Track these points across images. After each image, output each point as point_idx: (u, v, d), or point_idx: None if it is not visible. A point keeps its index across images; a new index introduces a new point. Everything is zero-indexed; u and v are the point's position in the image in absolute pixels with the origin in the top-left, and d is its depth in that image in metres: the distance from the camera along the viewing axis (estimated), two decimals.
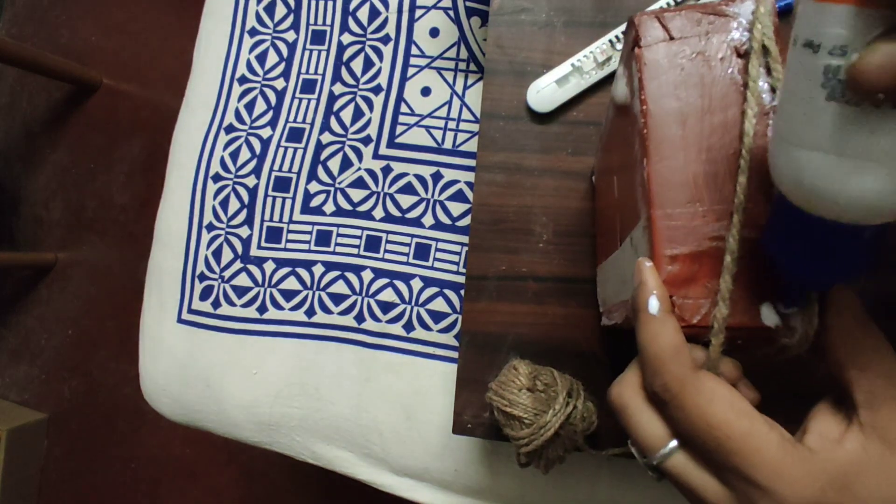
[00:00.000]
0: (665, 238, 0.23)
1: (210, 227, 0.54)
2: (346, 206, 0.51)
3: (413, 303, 0.49)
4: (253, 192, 0.53)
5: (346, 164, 0.52)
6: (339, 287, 0.50)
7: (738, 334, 0.22)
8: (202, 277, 0.54)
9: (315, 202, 0.52)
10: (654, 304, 0.21)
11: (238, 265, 0.53)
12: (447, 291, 0.48)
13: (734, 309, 0.22)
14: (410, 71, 0.51)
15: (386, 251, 0.50)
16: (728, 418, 0.19)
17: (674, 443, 0.21)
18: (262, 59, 0.55)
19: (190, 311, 0.54)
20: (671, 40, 0.25)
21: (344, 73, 0.53)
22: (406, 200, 0.50)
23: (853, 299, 0.21)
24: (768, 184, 0.22)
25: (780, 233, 0.21)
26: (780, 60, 0.23)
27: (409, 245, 0.50)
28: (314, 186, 0.52)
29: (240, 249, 0.53)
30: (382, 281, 0.50)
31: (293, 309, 0.51)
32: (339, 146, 0.52)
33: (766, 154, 0.22)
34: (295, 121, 0.53)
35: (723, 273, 0.22)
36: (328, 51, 0.53)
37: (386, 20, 0.52)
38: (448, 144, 0.50)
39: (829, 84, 0.16)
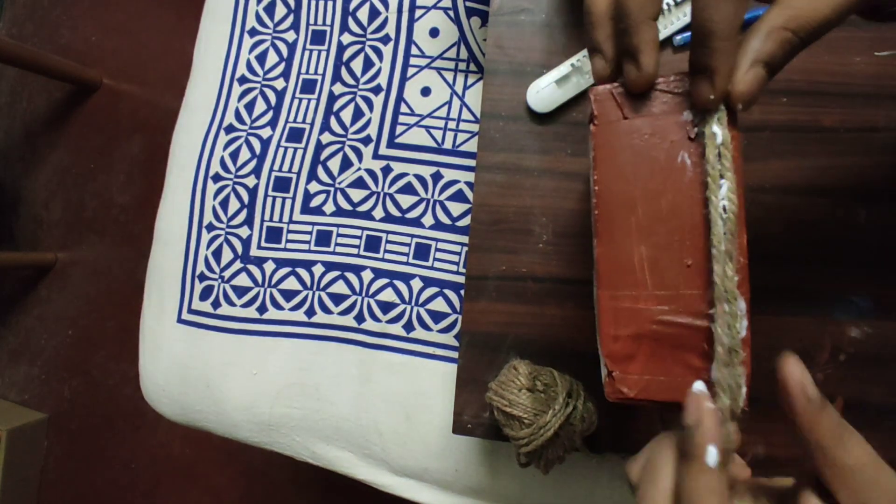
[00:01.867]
0: (611, 319, 0.25)
1: (210, 227, 0.54)
2: (346, 206, 0.51)
3: (413, 303, 0.49)
4: (253, 192, 0.53)
5: (346, 164, 0.52)
6: (339, 287, 0.50)
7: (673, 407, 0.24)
8: (202, 277, 0.54)
9: (315, 202, 0.52)
10: (712, 455, 0.20)
11: (238, 265, 0.53)
12: (447, 291, 0.48)
13: (670, 385, 0.24)
14: (410, 71, 0.51)
15: (386, 251, 0.50)
16: None
17: None
18: (262, 59, 0.55)
19: (190, 311, 0.54)
20: (625, 119, 0.25)
21: (344, 73, 0.53)
22: (406, 200, 0.50)
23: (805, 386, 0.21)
24: (709, 271, 0.23)
25: None
26: (730, 147, 0.23)
27: (409, 245, 0.50)
28: (314, 186, 0.52)
29: (240, 249, 0.53)
30: (382, 281, 0.50)
31: (293, 309, 0.51)
32: (339, 146, 0.52)
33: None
34: (295, 121, 0.53)
35: (716, 364, 0.22)
36: (328, 51, 0.53)
37: (386, 20, 0.52)
38: (448, 144, 0.50)
39: None
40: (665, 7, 0.38)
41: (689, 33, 0.39)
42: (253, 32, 0.56)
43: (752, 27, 0.22)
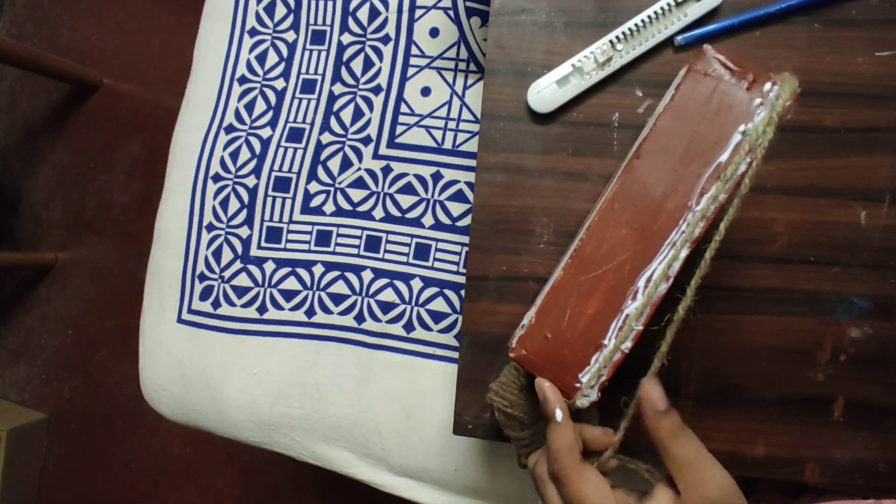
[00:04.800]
0: (554, 300, 0.30)
1: (210, 227, 0.54)
2: (346, 206, 0.51)
3: (413, 303, 0.49)
4: (253, 192, 0.53)
5: (346, 164, 0.51)
6: (339, 287, 0.50)
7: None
8: (202, 277, 0.53)
9: (315, 202, 0.52)
10: (559, 414, 0.29)
11: (238, 265, 0.53)
12: (447, 291, 0.48)
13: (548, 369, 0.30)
14: (410, 71, 0.51)
15: (386, 251, 0.50)
16: (593, 500, 0.27)
17: None
18: (262, 59, 0.55)
19: (190, 311, 0.54)
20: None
21: (344, 73, 0.53)
22: (406, 200, 0.50)
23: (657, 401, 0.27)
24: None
25: None
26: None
27: (409, 245, 0.50)
28: (314, 186, 0.52)
29: (240, 249, 0.53)
30: (382, 281, 0.50)
31: (293, 309, 0.51)
32: (339, 146, 0.52)
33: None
34: (295, 121, 0.53)
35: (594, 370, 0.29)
36: (328, 51, 0.53)
37: (386, 20, 0.52)
38: (448, 144, 0.50)
39: None
40: (665, 7, 0.38)
41: (689, 33, 0.39)
42: (253, 32, 0.55)
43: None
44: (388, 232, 0.50)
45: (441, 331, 0.48)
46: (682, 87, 0.28)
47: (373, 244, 0.50)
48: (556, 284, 0.29)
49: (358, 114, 0.52)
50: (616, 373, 0.29)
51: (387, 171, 0.51)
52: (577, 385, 0.29)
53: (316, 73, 0.53)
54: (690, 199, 0.27)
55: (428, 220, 0.49)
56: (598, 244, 0.28)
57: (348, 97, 0.52)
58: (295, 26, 0.54)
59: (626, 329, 0.28)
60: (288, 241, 0.52)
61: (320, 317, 0.51)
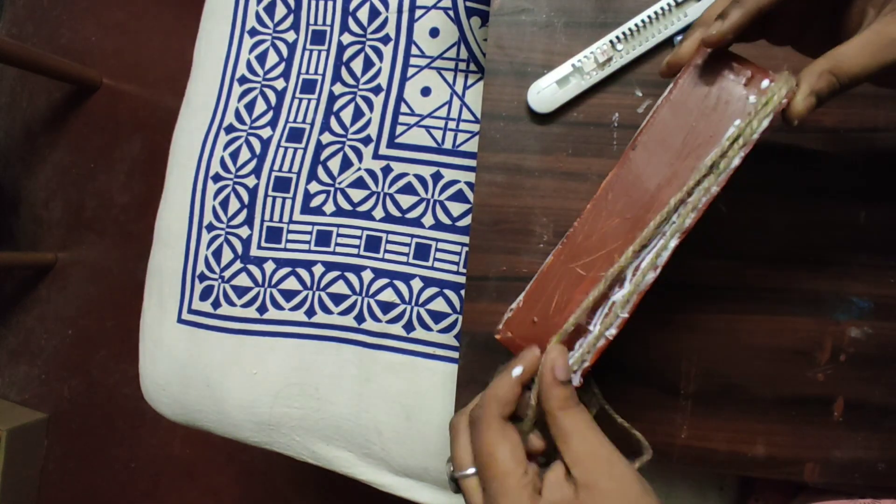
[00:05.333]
0: (543, 284, 0.31)
1: (210, 227, 0.54)
2: (346, 206, 0.51)
3: (413, 303, 0.49)
4: (253, 193, 0.53)
5: (346, 164, 0.52)
6: (339, 287, 0.50)
7: None
8: (202, 277, 0.54)
9: (315, 202, 0.52)
10: (517, 370, 0.28)
11: (238, 265, 0.53)
12: (447, 291, 0.48)
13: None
14: (410, 71, 0.51)
15: (386, 251, 0.50)
16: (504, 458, 0.26)
17: (473, 469, 0.28)
18: (262, 59, 0.55)
19: (190, 311, 0.54)
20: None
21: (344, 73, 0.53)
22: (406, 200, 0.50)
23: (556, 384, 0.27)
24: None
25: None
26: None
27: (409, 245, 0.50)
28: (314, 186, 0.52)
29: (240, 249, 0.53)
30: (382, 281, 0.50)
31: (293, 309, 0.51)
32: (339, 146, 0.52)
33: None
34: (295, 121, 0.53)
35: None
36: (328, 51, 0.53)
37: (386, 20, 0.52)
38: (448, 144, 0.50)
39: None
40: (665, 7, 0.38)
41: None
42: (253, 32, 0.55)
43: (807, 67, 0.27)
44: (388, 232, 0.50)
45: (441, 331, 0.48)
46: (680, 81, 0.28)
47: (373, 244, 0.50)
48: (545, 270, 0.30)
49: (358, 114, 0.52)
50: (600, 362, 0.29)
51: (387, 171, 0.51)
52: None
53: (316, 73, 0.53)
54: (683, 192, 0.27)
55: (428, 220, 0.49)
56: (589, 232, 0.29)
57: (348, 97, 0.52)
58: (295, 26, 0.55)
59: (612, 316, 0.28)
60: (288, 241, 0.52)
61: (320, 317, 0.51)
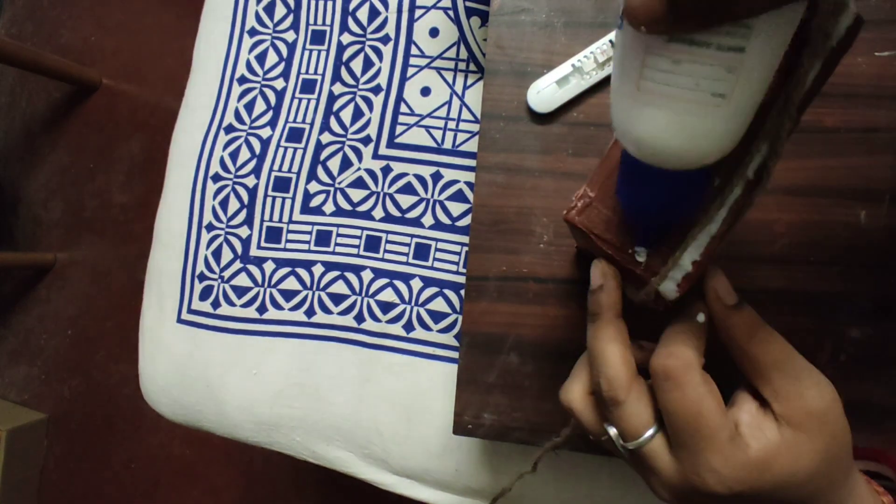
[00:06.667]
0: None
1: (210, 227, 0.54)
2: (345, 206, 0.51)
3: (413, 303, 0.49)
4: (253, 192, 0.53)
5: (345, 164, 0.51)
6: (339, 287, 0.50)
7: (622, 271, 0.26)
8: (202, 277, 0.53)
9: (315, 202, 0.52)
10: (701, 317, 0.24)
11: (238, 265, 0.53)
12: (447, 291, 0.48)
13: (616, 253, 0.25)
14: (410, 71, 0.51)
15: (386, 251, 0.50)
16: (713, 411, 0.23)
17: (654, 428, 0.24)
18: (261, 59, 0.55)
19: (190, 311, 0.54)
20: None
21: (344, 73, 0.53)
22: (406, 200, 0.50)
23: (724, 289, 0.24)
24: None
25: (621, 176, 0.24)
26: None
27: (408, 245, 0.50)
28: (314, 186, 0.52)
29: (239, 249, 0.53)
30: (382, 281, 0.50)
31: (293, 309, 0.51)
32: (338, 146, 0.52)
33: None
34: (295, 121, 0.53)
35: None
36: (328, 51, 0.53)
37: (386, 20, 0.52)
38: (448, 144, 0.50)
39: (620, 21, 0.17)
40: None
41: None
42: (253, 32, 0.55)
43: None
44: (387, 232, 0.50)
45: (441, 331, 0.48)
46: None
47: (372, 244, 0.50)
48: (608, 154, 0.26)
49: (358, 114, 0.52)
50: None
51: (386, 171, 0.51)
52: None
53: (316, 73, 0.53)
54: None
55: (428, 220, 0.49)
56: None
57: (348, 97, 0.52)
58: (295, 26, 0.54)
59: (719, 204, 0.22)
60: (288, 241, 0.52)
61: (320, 317, 0.51)
